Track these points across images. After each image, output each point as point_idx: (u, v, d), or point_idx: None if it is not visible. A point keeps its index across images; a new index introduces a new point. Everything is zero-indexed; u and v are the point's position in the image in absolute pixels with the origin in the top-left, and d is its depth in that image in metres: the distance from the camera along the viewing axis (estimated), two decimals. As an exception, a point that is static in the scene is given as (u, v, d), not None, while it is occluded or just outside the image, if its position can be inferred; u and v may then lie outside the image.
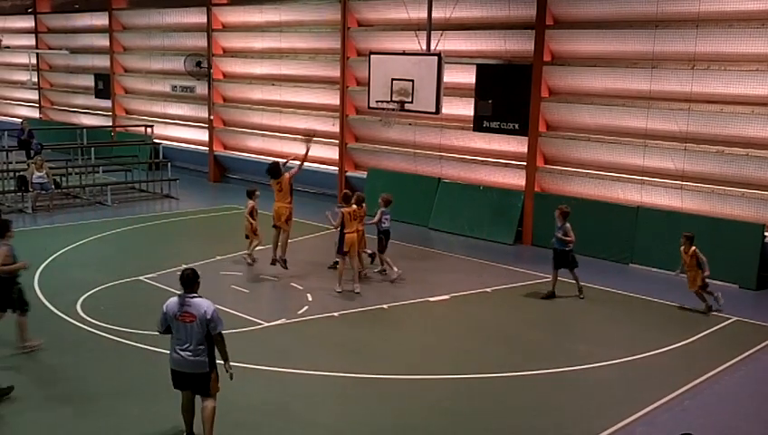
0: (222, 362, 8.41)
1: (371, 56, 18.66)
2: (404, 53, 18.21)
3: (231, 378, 8.41)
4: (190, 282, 8.34)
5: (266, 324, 12.62)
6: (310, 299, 14.06)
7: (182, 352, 8.21)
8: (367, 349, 11.88)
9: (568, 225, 14.43)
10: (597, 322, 13.56)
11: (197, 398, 8.48)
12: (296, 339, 12.13)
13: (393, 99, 17.71)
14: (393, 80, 17.71)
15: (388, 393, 10.25)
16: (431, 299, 14.32)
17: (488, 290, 15.07)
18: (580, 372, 11.04)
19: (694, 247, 13.79)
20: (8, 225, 11.04)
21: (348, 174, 23.47)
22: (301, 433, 9.05)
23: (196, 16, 28.03)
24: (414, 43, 18.30)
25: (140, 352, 11.21)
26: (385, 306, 13.76)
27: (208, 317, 8.14)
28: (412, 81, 17.45)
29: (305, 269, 15.83)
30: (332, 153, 23.80)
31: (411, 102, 17.53)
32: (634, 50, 17.72)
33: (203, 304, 8.23)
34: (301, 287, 14.74)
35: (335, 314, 13.27)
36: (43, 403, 9.61)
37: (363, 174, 22.98)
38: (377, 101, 18.14)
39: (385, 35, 22.08)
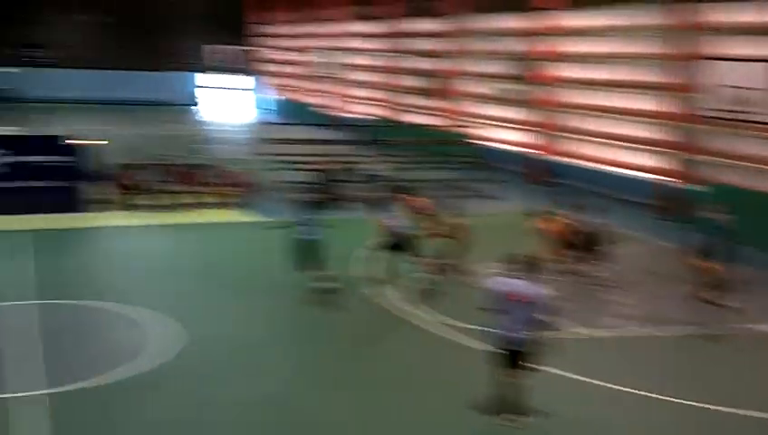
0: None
1: (713, 61, 17.28)
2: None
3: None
4: (532, 267, 8.76)
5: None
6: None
7: (509, 330, 8.63)
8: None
9: None
10: None
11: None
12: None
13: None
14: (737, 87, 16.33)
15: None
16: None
17: None
18: None
19: None
20: None
21: (676, 185, 22.10)
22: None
23: (526, 21, 28.35)
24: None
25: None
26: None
27: (540, 299, 8.60)
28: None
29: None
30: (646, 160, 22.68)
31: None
32: None
33: (536, 286, 8.70)
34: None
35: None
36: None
37: (695, 187, 21.39)
38: (712, 109, 16.74)
39: (734, 39, 20.42)
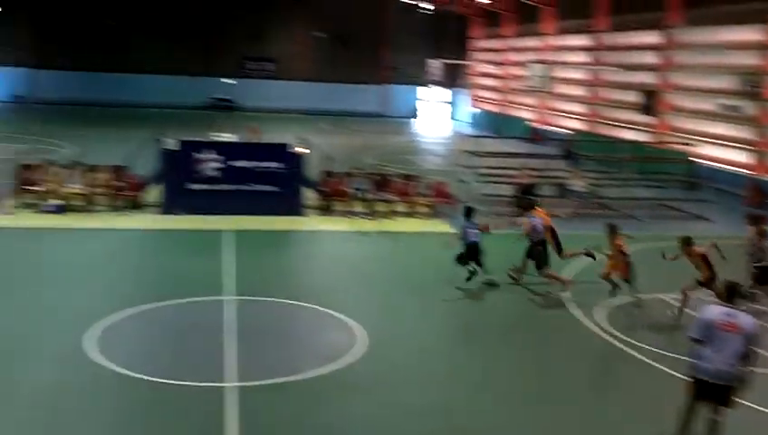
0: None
1: None
2: None
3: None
4: (738, 294, 8.32)
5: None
6: None
7: (717, 363, 8.10)
8: None
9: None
10: None
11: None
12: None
13: None
14: None
15: None
16: None
17: None
18: None
19: None
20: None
21: None
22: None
23: (755, 34, 26.42)
24: None
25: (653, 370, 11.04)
26: None
27: (753, 332, 8.11)
28: None
29: None
30: None
31: None
32: None
33: (748, 318, 8.21)
34: None
35: None
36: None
37: None
38: None
39: None
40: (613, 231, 14.24)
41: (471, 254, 14.58)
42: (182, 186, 20.32)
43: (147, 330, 12.21)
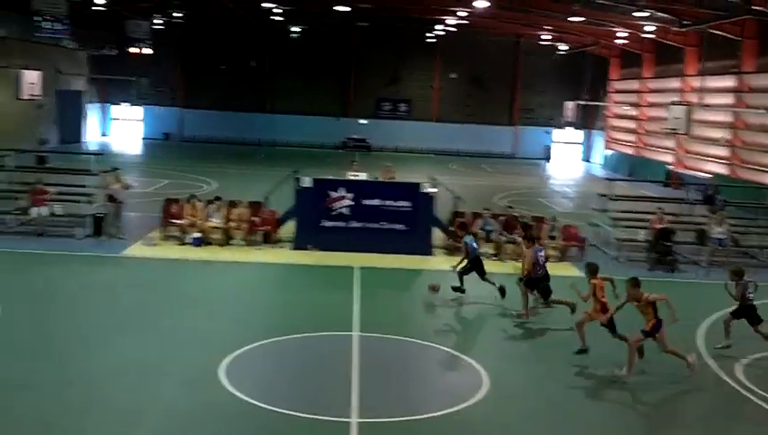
0: None
1: None
2: None
3: None
4: None
5: None
6: None
7: None
8: None
9: None
10: None
11: None
12: None
13: None
14: None
15: None
16: None
17: None
18: None
19: None
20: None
21: None
22: None
23: None
24: None
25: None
26: None
27: None
28: None
29: None
30: None
31: None
32: None
33: None
34: None
35: None
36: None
37: None
38: None
39: None
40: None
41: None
42: (315, 222, 20.93)
43: (277, 361, 12.60)
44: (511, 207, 24.46)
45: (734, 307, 13.82)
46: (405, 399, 11.07)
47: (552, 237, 21.31)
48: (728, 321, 13.80)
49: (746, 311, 13.69)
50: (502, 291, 16.14)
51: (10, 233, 20.75)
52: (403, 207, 21.06)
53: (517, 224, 21.61)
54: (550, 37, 52.26)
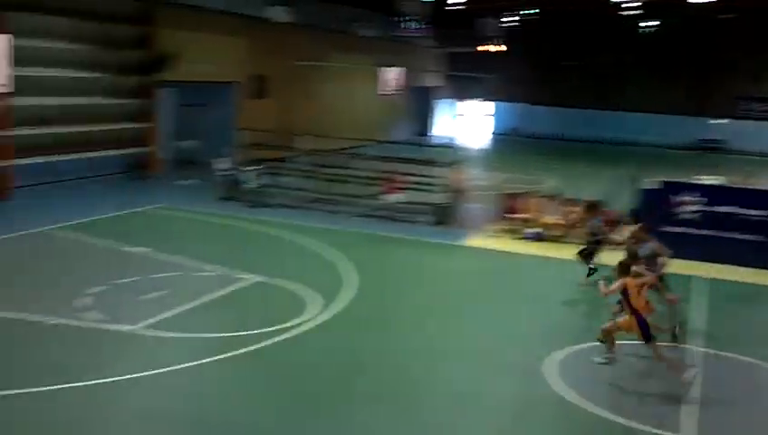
0: None
1: None
2: None
3: None
4: None
5: None
6: None
7: None
8: None
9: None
10: None
11: None
12: None
13: None
14: None
15: None
16: None
17: None
18: None
19: None
20: None
21: None
22: None
23: None
24: None
25: None
26: None
27: None
28: None
29: None
30: None
31: None
32: None
33: None
34: None
35: None
36: None
37: None
38: None
39: None
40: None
41: None
42: (657, 226, 19.77)
43: (607, 366, 12.15)
44: None
45: None
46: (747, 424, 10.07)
47: None
48: None
49: None
50: None
51: (364, 216, 22.63)
52: (761, 216, 19.11)
53: None
54: None
